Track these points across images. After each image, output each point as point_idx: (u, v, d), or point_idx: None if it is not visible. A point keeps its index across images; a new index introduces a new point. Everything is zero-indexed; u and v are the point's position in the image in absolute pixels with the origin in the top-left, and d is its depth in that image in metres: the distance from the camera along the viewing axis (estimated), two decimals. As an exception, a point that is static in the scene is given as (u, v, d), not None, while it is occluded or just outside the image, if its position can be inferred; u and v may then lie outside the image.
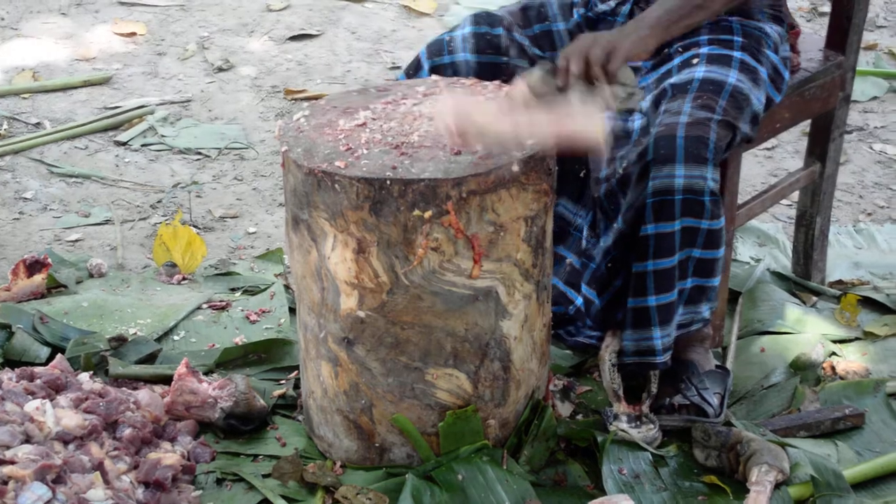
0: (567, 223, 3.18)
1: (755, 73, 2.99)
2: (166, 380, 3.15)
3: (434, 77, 3.08)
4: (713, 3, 2.93)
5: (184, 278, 3.82)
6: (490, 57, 3.16)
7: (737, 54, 2.98)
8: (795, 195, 3.89)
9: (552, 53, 3.17)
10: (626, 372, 3.00)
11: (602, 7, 3.15)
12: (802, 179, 3.65)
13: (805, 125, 3.81)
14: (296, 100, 5.19)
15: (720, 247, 2.89)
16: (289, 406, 3.15)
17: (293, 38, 5.83)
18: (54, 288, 3.69)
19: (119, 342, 3.32)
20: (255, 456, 2.98)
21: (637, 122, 3.03)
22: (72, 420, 2.82)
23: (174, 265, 3.86)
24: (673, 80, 2.97)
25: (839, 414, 3.14)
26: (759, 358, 3.39)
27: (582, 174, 3.21)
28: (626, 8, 3.11)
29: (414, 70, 3.22)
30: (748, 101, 2.94)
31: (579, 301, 3.21)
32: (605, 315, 3.06)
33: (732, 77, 2.94)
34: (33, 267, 3.63)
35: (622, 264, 2.96)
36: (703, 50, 3.01)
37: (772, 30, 3.11)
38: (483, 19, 3.19)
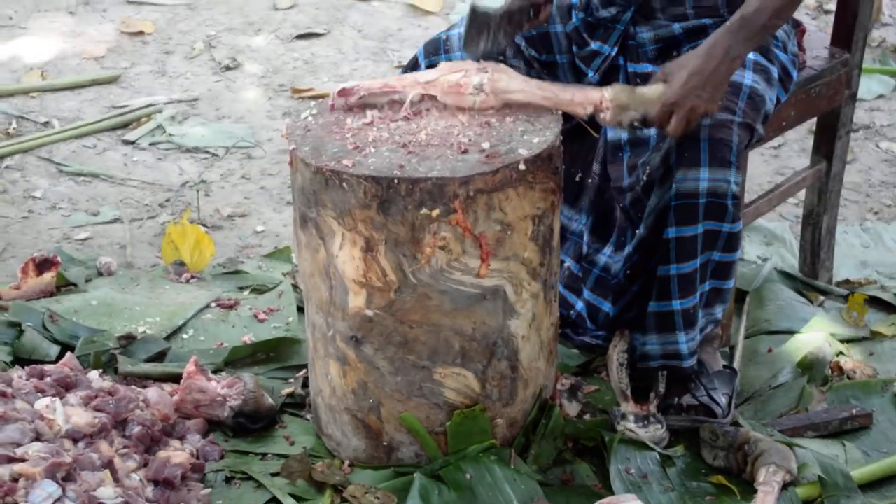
0: (563, 228, 3.17)
1: (768, 72, 2.99)
2: (175, 378, 3.15)
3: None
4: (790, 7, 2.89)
5: (192, 277, 3.82)
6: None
7: (749, 55, 2.98)
8: (802, 194, 3.89)
9: (548, 56, 3.17)
10: (634, 372, 3.00)
11: (603, 13, 3.09)
12: (809, 178, 3.65)
13: (811, 123, 3.81)
14: (303, 98, 5.20)
15: (737, 249, 2.89)
16: (297, 405, 3.16)
17: (300, 37, 5.83)
18: (64, 286, 3.70)
19: (128, 340, 3.33)
20: (264, 454, 2.99)
21: (652, 128, 3.03)
22: (81, 418, 2.83)
23: (183, 264, 3.86)
24: None
25: (847, 414, 3.14)
26: (766, 358, 3.39)
27: (577, 178, 3.21)
28: (627, 15, 3.05)
29: (412, 69, 3.21)
30: (763, 101, 2.94)
31: (580, 306, 3.21)
32: (615, 319, 3.05)
33: (748, 78, 2.93)
34: (43, 265, 3.64)
35: (641, 269, 2.96)
36: (717, 52, 3.00)
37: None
38: None
